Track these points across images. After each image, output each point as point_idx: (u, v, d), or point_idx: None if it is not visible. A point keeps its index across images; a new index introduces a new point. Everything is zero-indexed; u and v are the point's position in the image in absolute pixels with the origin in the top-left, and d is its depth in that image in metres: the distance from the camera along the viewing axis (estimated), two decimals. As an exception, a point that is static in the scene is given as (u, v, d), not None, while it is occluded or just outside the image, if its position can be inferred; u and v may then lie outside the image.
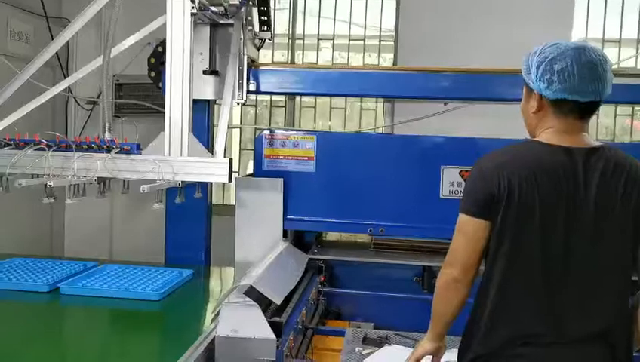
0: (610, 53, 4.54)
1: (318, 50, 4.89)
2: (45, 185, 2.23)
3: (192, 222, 3.07)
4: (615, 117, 4.60)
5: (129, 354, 1.91)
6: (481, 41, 4.20)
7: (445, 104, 3.17)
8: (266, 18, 2.92)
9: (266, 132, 3.06)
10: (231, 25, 2.78)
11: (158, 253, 3.14)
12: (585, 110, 1.60)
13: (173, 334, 2.14)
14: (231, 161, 2.40)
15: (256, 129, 4.82)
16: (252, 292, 2.05)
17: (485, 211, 1.58)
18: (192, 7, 2.40)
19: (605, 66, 1.59)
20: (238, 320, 1.89)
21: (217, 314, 1.98)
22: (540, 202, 1.54)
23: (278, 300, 2.16)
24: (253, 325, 1.89)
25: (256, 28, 2.95)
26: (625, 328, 1.61)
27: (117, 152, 2.36)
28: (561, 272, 1.55)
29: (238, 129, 5.21)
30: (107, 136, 2.44)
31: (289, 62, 4.87)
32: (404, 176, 2.89)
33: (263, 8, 2.89)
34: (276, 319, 2.02)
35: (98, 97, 4.81)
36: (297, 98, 4.83)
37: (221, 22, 2.81)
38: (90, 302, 2.32)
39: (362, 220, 2.95)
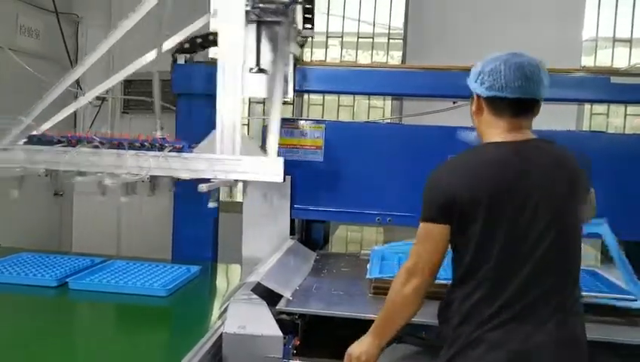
0: (621, 52, 4.52)
1: (326, 48, 4.88)
2: (100, 182, 2.24)
3: (200, 218, 3.07)
4: (625, 116, 4.57)
5: (136, 350, 1.92)
6: (491, 39, 4.18)
7: (454, 103, 3.15)
8: (310, 16, 2.86)
9: None
10: (276, 23, 2.70)
11: (165, 249, 3.14)
12: (518, 108, 1.71)
13: (180, 330, 2.14)
14: (284, 160, 2.36)
15: (264, 121, 4.82)
16: (259, 290, 2.05)
17: (444, 217, 1.68)
18: (246, 5, 2.36)
19: (534, 68, 1.69)
20: (245, 317, 1.89)
21: (225, 310, 1.98)
22: (494, 199, 1.63)
23: (287, 294, 2.16)
24: (261, 322, 1.89)
25: (300, 26, 2.88)
26: (579, 307, 1.71)
27: (169, 151, 2.34)
28: (522, 261, 1.63)
29: (245, 126, 5.22)
30: (158, 134, 2.42)
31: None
32: (413, 165, 2.85)
33: (307, 6, 2.82)
34: (283, 316, 2.02)
35: (106, 93, 4.83)
36: (305, 95, 4.83)
37: (267, 19, 2.72)
38: (97, 298, 2.33)
39: (370, 210, 2.93)
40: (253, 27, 2.75)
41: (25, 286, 2.39)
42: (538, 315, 1.62)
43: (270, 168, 2.32)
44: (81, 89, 4.69)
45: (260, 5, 2.56)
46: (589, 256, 3.23)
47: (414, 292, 1.70)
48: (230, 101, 2.37)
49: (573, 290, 1.70)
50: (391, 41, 4.78)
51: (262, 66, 2.76)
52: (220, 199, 3.31)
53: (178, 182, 2.49)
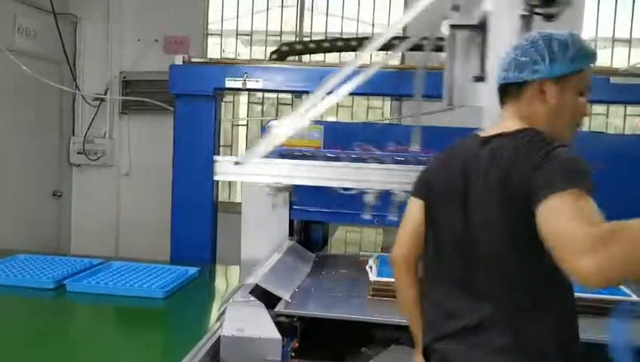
0: (620, 52, 4.50)
1: (325, 48, 4.86)
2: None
3: (198, 220, 3.06)
4: (625, 117, 4.56)
5: (134, 353, 1.90)
6: (490, 39, 4.16)
7: (453, 103, 3.13)
8: None
9: (273, 122, 3.04)
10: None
11: (164, 250, 3.13)
12: (499, 94, 1.60)
13: (178, 332, 2.13)
14: None
15: (262, 122, 4.82)
16: (258, 291, 2.03)
17: (418, 194, 1.70)
18: (524, 10, 2.09)
19: (515, 49, 1.54)
20: (243, 320, 1.88)
21: (223, 312, 1.97)
22: (437, 194, 1.61)
23: (286, 296, 2.15)
24: (259, 324, 1.87)
25: None
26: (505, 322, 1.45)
27: None
28: (443, 275, 1.57)
29: (245, 126, 5.22)
30: (415, 147, 2.33)
31: (296, 60, 4.86)
32: None
33: None
34: (282, 319, 2.01)
35: (105, 94, 4.82)
36: (304, 96, 4.81)
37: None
38: (95, 300, 2.32)
39: (369, 211, 2.91)
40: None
41: (22, 289, 2.38)
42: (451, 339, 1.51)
43: None
44: (79, 90, 4.70)
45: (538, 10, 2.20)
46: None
47: (396, 265, 1.72)
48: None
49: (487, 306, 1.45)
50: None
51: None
52: (219, 200, 3.31)
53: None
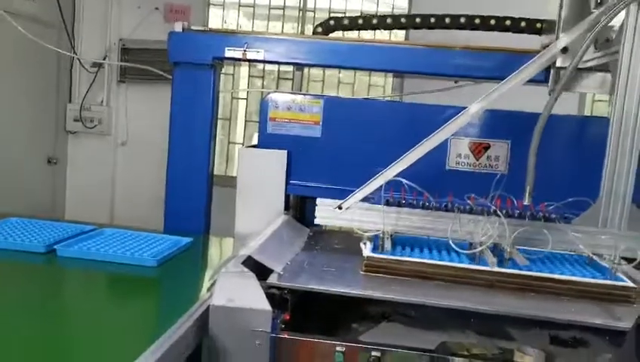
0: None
1: (328, 24, 4.80)
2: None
3: (193, 192, 3.03)
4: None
5: (122, 319, 1.88)
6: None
7: (456, 82, 3.10)
8: None
9: (272, 94, 2.99)
10: None
11: (159, 220, 3.11)
12: None
13: (168, 301, 2.11)
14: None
15: (262, 95, 4.77)
16: (250, 263, 2.01)
17: None
18: None
19: None
20: (234, 290, 1.86)
21: (214, 282, 1.95)
22: None
23: (278, 268, 2.13)
24: (250, 295, 1.85)
25: None
26: None
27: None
28: None
29: (245, 100, 5.17)
30: (527, 201, 2.12)
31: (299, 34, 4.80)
32: (412, 144, 2.78)
33: None
34: (273, 290, 1.99)
35: (103, 60, 4.76)
36: (305, 70, 4.77)
37: None
38: (85, 266, 2.30)
39: None
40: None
41: (12, 252, 2.36)
42: None
43: None
44: (76, 54, 4.64)
45: None
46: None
47: None
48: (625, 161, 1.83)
49: None
50: (394, 18, 4.70)
51: None
52: (215, 173, 3.28)
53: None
